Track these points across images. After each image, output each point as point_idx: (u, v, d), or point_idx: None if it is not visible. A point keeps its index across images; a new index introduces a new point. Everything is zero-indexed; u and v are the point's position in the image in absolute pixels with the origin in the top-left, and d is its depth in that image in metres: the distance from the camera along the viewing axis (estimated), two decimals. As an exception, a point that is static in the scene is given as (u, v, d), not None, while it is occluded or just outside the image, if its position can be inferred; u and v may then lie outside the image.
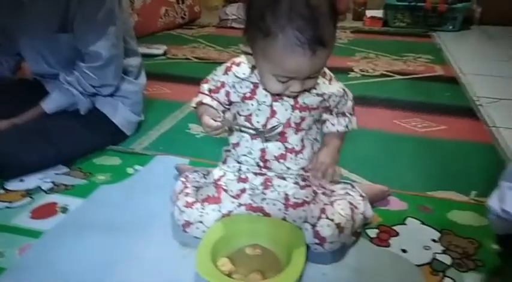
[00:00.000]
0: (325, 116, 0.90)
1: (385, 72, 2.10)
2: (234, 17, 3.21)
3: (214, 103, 0.86)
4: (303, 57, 0.67)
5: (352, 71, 2.12)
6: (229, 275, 0.76)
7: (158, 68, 2.20)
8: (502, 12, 3.20)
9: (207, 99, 0.86)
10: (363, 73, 2.09)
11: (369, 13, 3.38)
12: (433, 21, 3.09)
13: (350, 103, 0.90)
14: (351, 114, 0.91)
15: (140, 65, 1.39)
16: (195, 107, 0.88)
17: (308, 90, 0.81)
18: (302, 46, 0.66)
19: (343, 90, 0.87)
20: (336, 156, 0.90)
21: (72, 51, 1.18)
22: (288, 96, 0.79)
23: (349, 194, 0.90)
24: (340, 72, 2.04)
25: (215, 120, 0.79)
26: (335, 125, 0.89)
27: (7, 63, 1.36)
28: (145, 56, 2.25)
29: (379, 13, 3.36)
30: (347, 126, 0.90)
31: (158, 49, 2.43)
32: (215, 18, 3.45)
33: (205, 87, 0.88)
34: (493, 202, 0.74)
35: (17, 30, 1.22)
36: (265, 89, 0.81)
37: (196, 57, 2.42)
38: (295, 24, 0.66)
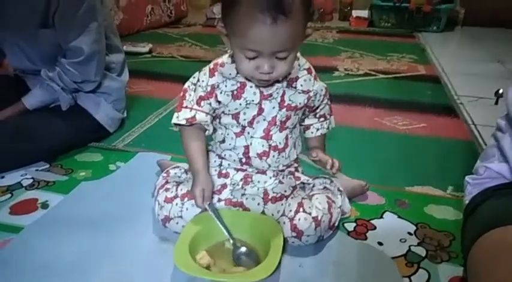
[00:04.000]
0: (307, 121, 0.92)
1: (368, 72, 2.12)
2: (221, 16, 3.21)
3: (202, 115, 0.84)
4: (264, 25, 0.67)
5: (337, 70, 2.14)
6: (207, 268, 0.77)
7: (143, 66, 2.20)
8: (484, 14, 3.26)
9: (188, 114, 0.84)
10: (347, 72, 2.11)
11: (355, 13, 3.42)
12: (417, 22, 3.13)
13: (329, 105, 0.93)
14: (329, 115, 0.94)
15: (123, 62, 1.38)
16: (178, 124, 0.85)
17: (293, 86, 0.84)
18: (262, 12, 0.66)
19: (325, 88, 0.90)
20: None
21: (53, 47, 1.17)
22: (261, 80, 0.77)
23: (328, 189, 0.92)
24: (325, 71, 2.07)
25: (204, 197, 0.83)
26: (319, 129, 0.93)
27: (-13, 59, 1.35)
28: (130, 54, 2.26)
29: (365, 13, 3.40)
30: (328, 128, 0.94)
31: (143, 47, 2.43)
32: (202, 17, 3.46)
33: (191, 98, 0.85)
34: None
35: (-3, 26, 1.21)
36: (252, 87, 0.82)
37: (182, 56, 2.42)
38: None
